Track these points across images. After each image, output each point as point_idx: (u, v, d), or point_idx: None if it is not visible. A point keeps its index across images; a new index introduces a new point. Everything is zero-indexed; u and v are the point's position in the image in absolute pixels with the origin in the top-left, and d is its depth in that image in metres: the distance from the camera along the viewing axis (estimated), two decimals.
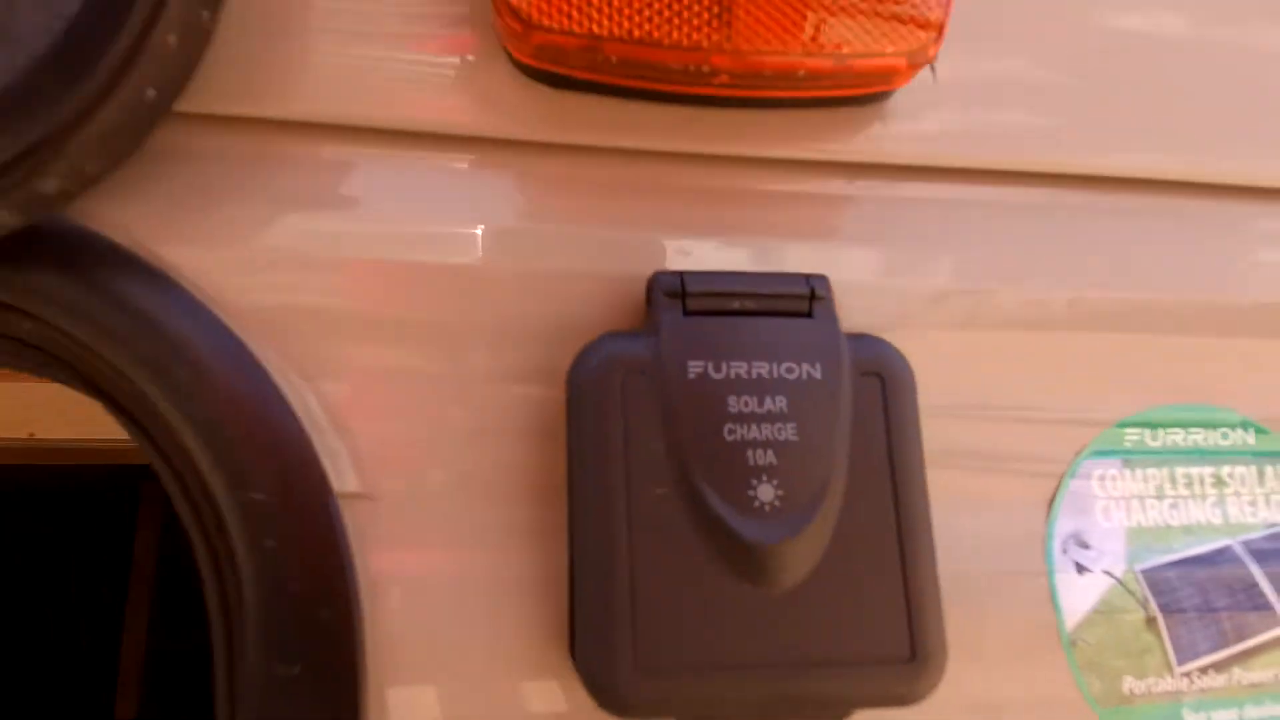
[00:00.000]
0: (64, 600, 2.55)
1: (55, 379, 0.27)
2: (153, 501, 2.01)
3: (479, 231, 0.29)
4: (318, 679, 0.23)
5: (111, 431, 0.78)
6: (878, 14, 0.26)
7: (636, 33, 0.26)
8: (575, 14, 0.25)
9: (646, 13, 0.25)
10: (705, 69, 0.27)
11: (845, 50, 0.27)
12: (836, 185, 0.32)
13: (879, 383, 0.26)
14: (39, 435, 0.79)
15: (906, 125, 0.31)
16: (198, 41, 0.25)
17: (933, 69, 0.29)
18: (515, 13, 0.25)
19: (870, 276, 0.30)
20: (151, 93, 0.24)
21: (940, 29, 0.27)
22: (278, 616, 0.23)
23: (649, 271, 0.29)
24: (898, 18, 0.27)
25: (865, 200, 0.32)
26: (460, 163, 0.29)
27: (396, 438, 0.26)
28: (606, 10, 0.25)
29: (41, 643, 2.49)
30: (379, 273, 0.28)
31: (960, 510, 0.27)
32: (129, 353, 0.24)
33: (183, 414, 0.24)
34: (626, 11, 0.25)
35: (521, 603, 0.25)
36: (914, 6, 0.27)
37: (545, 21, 0.26)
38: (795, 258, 0.30)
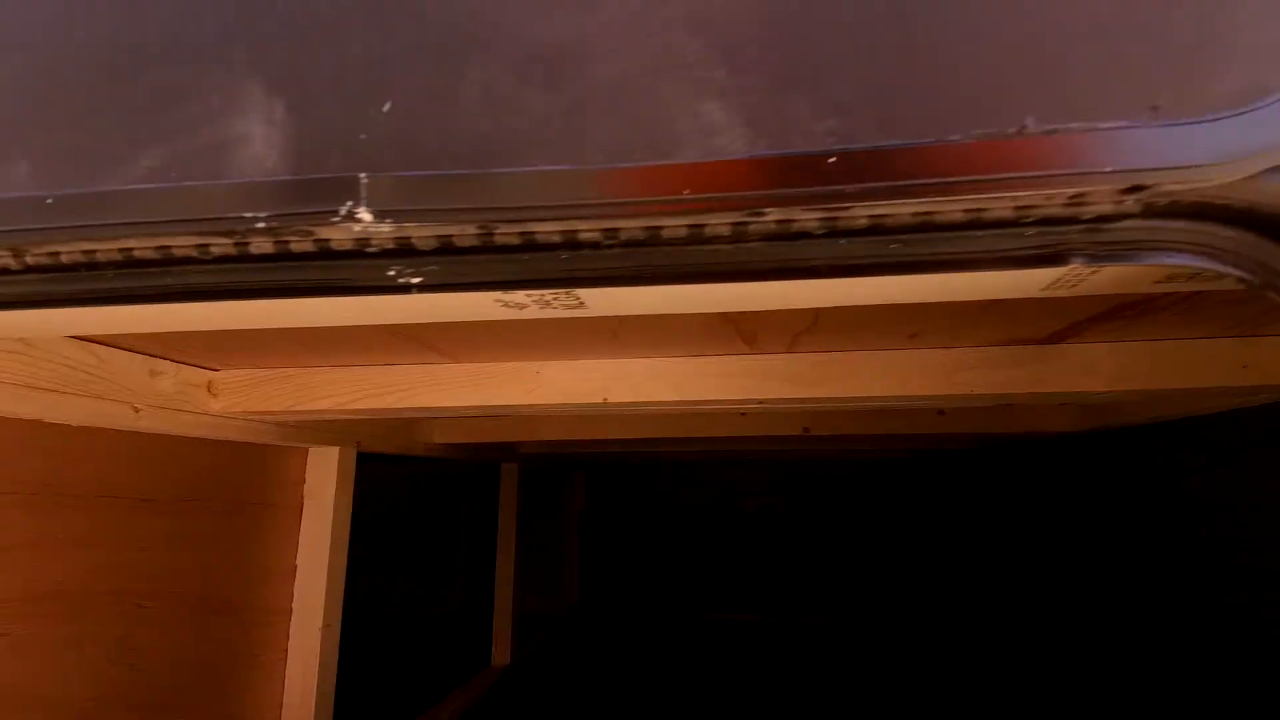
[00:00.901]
0: (443, 569, 3.09)
1: None
2: (510, 481, 2.32)
3: None
4: None
5: (657, 395, 0.94)
6: None
7: None
8: None
9: None
10: None
11: None
12: None
13: None
14: (610, 400, 0.97)
15: None
16: None
17: None
18: None
19: None
20: None
21: None
22: None
23: None
24: None
25: None
26: None
27: None
28: None
29: (432, 604, 3.04)
30: None
31: None
32: None
33: None
34: None
35: None
36: None
37: None
38: None
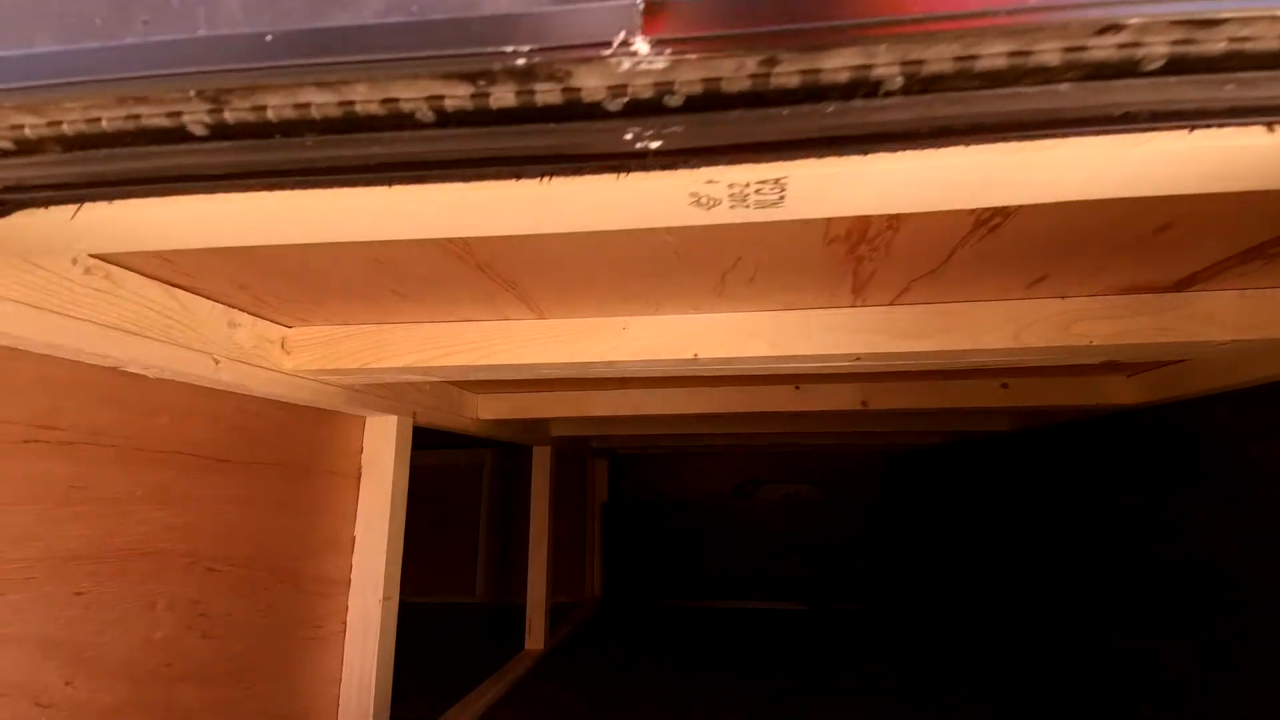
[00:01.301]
0: (464, 557, 3.07)
1: None
2: (543, 463, 2.29)
3: None
4: None
5: (749, 350, 0.90)
6: None
7: None
8: None
9: None
10: None
11: None
12: None
13: None
14: (701, 356, 0.93)
15: None
16: None
17: None
18: None
19: None
20: None
21: None
22: None
23: None
24: None
25: None
26: None
27: None
28: None
29: (452, 591, 3.02)
30: None
31: None
32: None
33: None
34: None
35: None
36: None
37: None
38: None
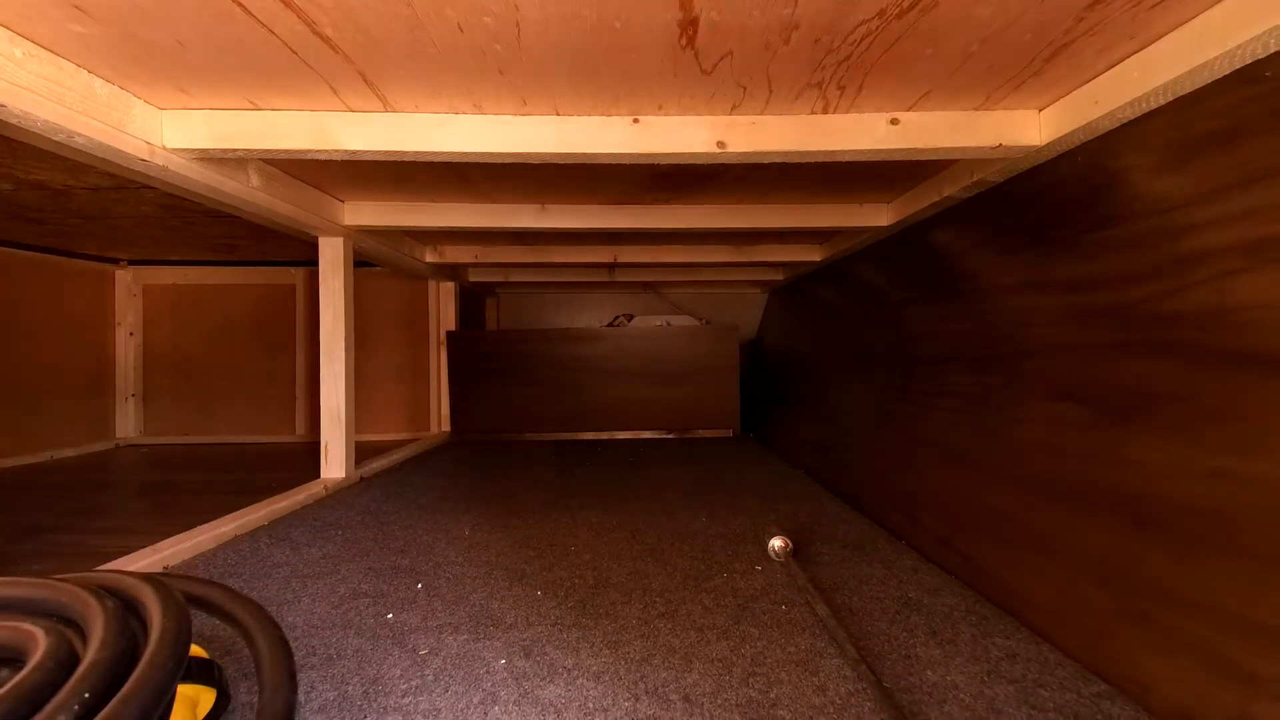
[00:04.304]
0: (280, 395, 2.53)
1: None
2: (335, 256, 1.80)
3: None
4: None
5: None
6: None
7: None
8: None
9: None
10: None
11: None
12: None
13: None
14: None
15: None
16: None
17: None
18: None
19: None
20: None
21: None
22: None
23: None
24: None
25: None
26: None
27: None
28: None
29: (268, 431, 2.50)
30: None
31: None
32: None
33: None
34: None
35: None
36: None
37: None
38: None
